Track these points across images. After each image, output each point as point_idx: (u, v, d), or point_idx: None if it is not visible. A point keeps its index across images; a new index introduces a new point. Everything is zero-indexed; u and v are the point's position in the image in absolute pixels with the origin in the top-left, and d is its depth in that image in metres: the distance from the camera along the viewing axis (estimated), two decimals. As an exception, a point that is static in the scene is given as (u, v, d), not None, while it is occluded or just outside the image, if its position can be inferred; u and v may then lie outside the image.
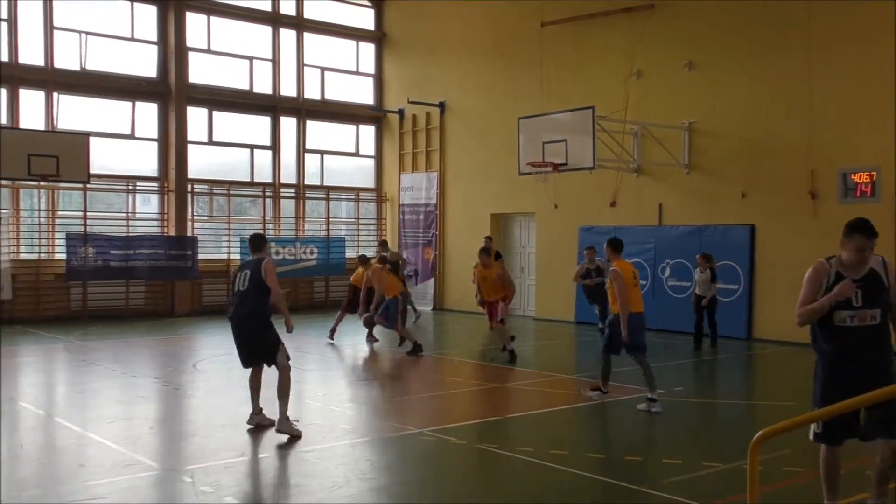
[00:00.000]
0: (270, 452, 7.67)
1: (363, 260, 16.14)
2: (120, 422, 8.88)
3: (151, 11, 21.03)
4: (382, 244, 18.65)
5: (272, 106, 22.98)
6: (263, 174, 23.03)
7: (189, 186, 21.31)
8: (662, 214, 17.55)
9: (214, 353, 14.32)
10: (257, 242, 8.54)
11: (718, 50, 16.51)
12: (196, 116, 21.52)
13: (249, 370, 8.56)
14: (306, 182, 23.70)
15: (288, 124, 23.36)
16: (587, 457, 7.45)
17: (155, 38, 21.10)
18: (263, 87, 22.92)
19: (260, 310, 8.22)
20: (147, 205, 21.61)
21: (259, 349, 8.34)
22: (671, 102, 17.19)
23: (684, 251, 16.50)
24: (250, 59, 22.64)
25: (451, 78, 22.40)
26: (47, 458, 7.64)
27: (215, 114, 22.00)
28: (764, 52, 15.68)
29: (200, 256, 20.87)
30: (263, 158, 23.08)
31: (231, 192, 22.59)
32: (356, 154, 24.84)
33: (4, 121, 18.95)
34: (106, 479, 6.66)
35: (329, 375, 12.51)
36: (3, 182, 18.52)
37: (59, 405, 10.37)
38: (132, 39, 20.79)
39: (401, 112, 23.92)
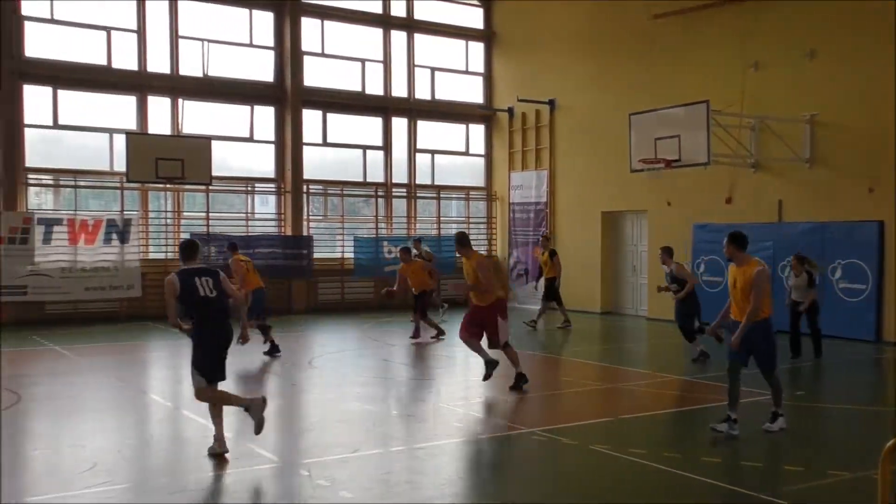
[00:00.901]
0: (383, 449, 7.82)
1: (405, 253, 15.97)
2: (242, 415, 9.22)
3: (268, 18, 21.74)
4: (417, 241, 18.37)
5: (384, 107, 23.38)
6: (375, 174, 23.46)
7: (304, 187, 21.94)
8: (782, 211, 16.91)
9: (329, 350, 14.71)
10: (193, 250, 7.78)
11: (842, 37, 15.77)
12: (311, 118, 22.14)
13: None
14: (417, 181, 24.00)
15: (399, 125, 23.72)
16: (702, 460, 7.27)
17: (272, 44, 21.82)
18: (375, 88, 23.34)
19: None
20: (265, 205, 22.38)
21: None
22: (791, 94, 16.53)
23: (805, 249, 15.83)
24: (362, 61, 23.10)
25: (561, 75, 22.21)
26: (175, 448, 8.04)
27: (329, 116, 22.57)
28: (891, 38, 14.86)
29: (315, 255, 21.46)
30: (375, 158, 23.51)
31: (344, 192, 23.12)
32: (466, 153, 24.99)
33: (134, 126, 19.98)
34: (229, 470, 6.96)
35: (441, 374, 12.64)
36: (133, 185, 19.55)
37: (185, 398, 10.84)
38: (250, 45, 21.56)
39: (510, 110, 23.90)
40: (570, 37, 21.90)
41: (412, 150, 23.94)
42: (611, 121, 19.70)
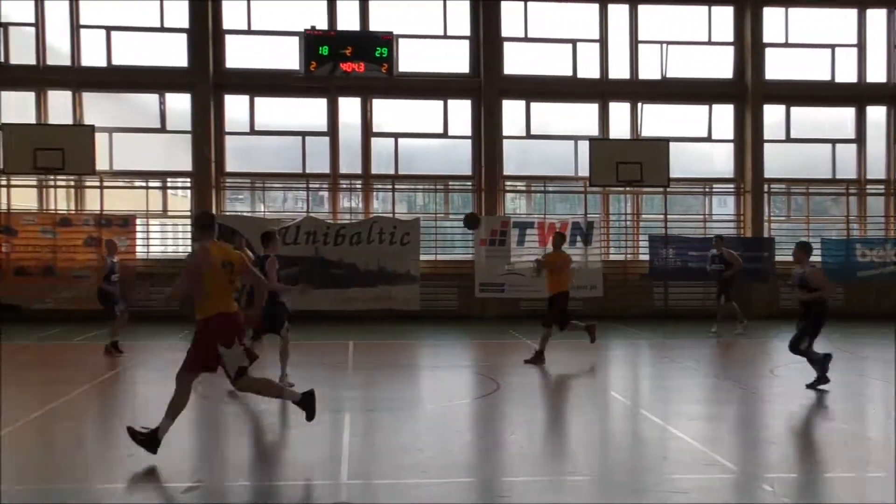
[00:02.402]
0: (855, 473, 7.16)
1: None
2: (700, 420, 9.18)
3: (727, 12, 21.19)
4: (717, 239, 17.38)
5: (856, 95, 21.37)
6: (846, 170, 21.53)
7: (765, 186, 20.98)
8: None
9: (794, 359, 13.87)
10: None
11: None
12: (773, 114, 21.10)
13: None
14: (897, 176, 21.52)
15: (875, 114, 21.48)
16: None
17: (731, 39, 21.23)
18: (847, 76, 21.42)
19: None
20: (723, 206, 21.89)
21: None
22: None
23: None
24: (832, 46, 21.37)
25: None
26: (633, 447, 8.28)
27: (793, 110, 21.28)
28: None
29: (777, 258, 20.38)
30: (846, 153, 21.58)
31: (810, 190, 21.61)
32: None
33: (597, 133, 20.96)
34: (686, 475, 6.96)
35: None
36: (596, 188, 20.52)
37: (644, 398, 11.12)
38: (709, 43, 21.22)
39: None
40: None
41: (891, 141, 21.50)
42: None
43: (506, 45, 20.73)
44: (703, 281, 20.33)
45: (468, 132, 20.87)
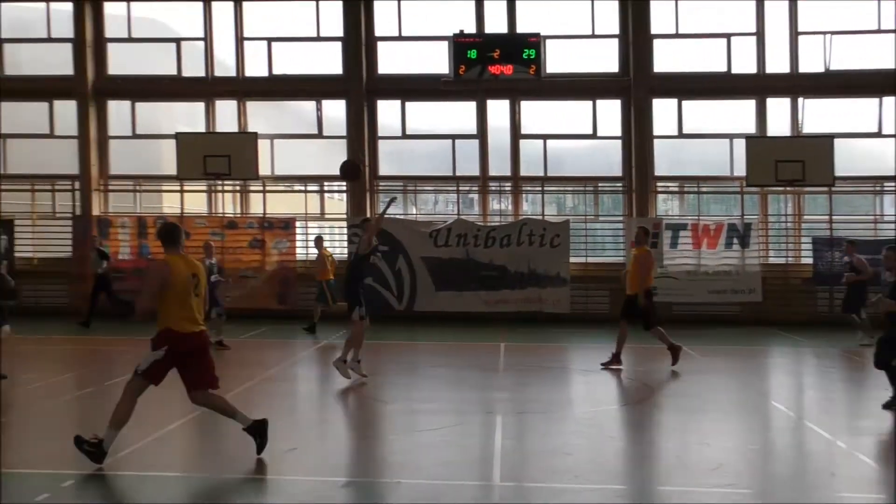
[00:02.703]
0: None
1: None
2: (871, 436, 8.64)
3: (899, -1, 19.83)
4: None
5: None
6: None
7: (947, 183, 19.50)
8: None
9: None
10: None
11: None
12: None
13: None
14: None
15: None
16: None
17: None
18: None
19: None
20: (896, 206, 20.52)
21: None
22: None
23: None
24: None
25: None
26: (798, 460, 7.90)
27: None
28: None
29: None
30: None
31: None
32: None
33: (753, 130, 20.11)
34: (857, 494, 6.58)
35: None
36: (753, 189, 19.67)
37: (808, 409, 10.57)
38: (877, 32, 19.85)
39: None
40: None
41: None
42: None
43: (656, 42, 20.23)
44: (875, 287, 19.10)
45: (618, 132, 20.52)
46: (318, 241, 17.64)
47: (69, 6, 20.73)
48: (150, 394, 7.13)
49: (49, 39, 21.14)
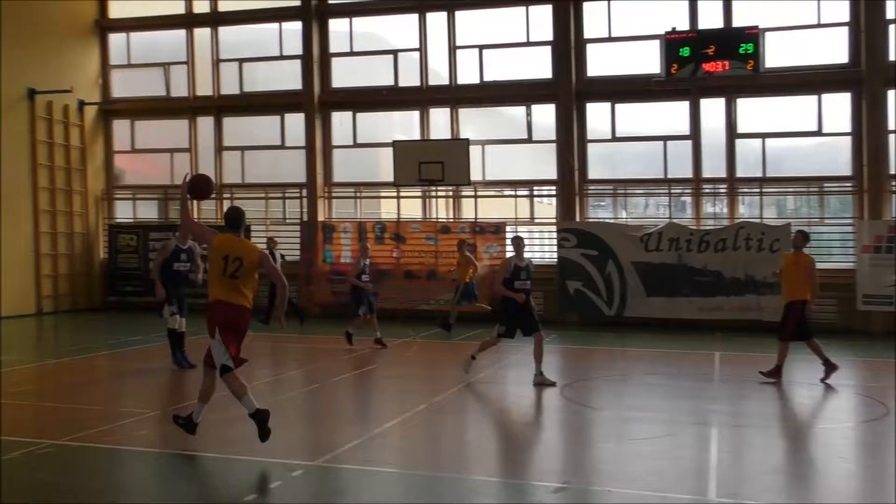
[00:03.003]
0: None
1: None
2: None
3: None
4: None
5: None
6: None
7: None
8: None
9: None
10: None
11: None
12: None
13: None
14: None
15: None
16: None
17: None
18: None
19: None
20: None
21: None
22: None
23: None
24: None
25: None
26: None
27: None
28: None
29: None
30: None
31: None
32: None
33: None
34: None
35: None
36: None
37: None
38: None
39: None
40: None
41: None
42: None
43: (892, 27, 18.61)
44: None
45: (847, 128, 19.08)
46: (461, 244, 18.10)
47: (298, 25, 22.27)
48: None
49: (281, 57, 22.84)
